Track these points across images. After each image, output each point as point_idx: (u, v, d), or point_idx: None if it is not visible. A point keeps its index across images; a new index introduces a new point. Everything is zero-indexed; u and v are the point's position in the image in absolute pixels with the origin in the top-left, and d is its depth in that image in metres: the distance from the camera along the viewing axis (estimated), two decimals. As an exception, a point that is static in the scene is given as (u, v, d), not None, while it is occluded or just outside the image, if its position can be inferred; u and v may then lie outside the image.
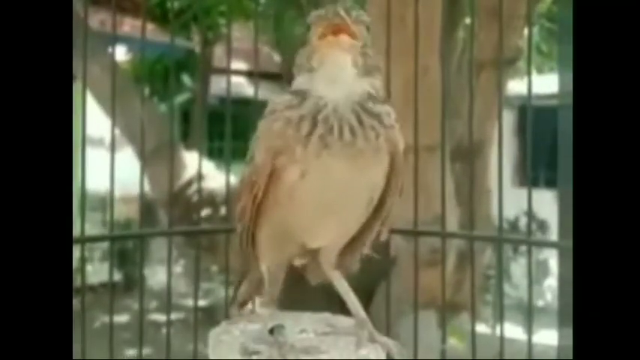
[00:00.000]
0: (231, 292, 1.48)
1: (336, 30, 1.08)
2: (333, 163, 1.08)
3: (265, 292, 1.30)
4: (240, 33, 8.58)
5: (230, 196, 1.71)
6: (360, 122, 1.08)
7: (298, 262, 1.32)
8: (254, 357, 1.09)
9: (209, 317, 1.38)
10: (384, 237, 1.26)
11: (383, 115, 1.11)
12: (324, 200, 1.11)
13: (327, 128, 1.07)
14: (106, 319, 1.92)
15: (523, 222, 5.62)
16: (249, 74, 9.54)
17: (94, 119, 1.96)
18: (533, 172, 1.72)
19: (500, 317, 1.77)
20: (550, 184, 4.96)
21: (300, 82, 1.13)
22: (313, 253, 1.26)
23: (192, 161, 2.72)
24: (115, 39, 2.18)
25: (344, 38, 1.08)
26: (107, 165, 1.70)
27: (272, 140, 1.10)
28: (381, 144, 1.11)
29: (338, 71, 1.10)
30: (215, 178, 2.65)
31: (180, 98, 9.23)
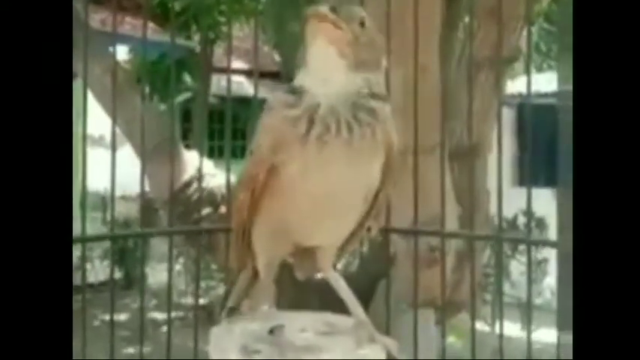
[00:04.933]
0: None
1: (320, 22, 1.09)
2: (332, 160, 1.07)
3: (261, 290, 1.29)
4: (241, 32, 8.59)
5: (230, 195, 1.71)
6: (356, 119, 1.08)
7: (289, 259, 1.30)
8: (254, 356, 1.08)
9: (209, 315, 1.37)
10: (374, 233, 1.26)
11: (378, 109, 1.11)
12: (322, 197, 1.11)
13: (324, 127, 1.07)
14: (105, 317, 1.92)
15: (521, 221, 5.63)
16: (249, 73, 9.54)
17: (94, 118, 1.97)
18: (532, 170, 1.73)
19: (500, 314, 1.78)
20: (549, 182, 4.97)
21: (297, 78, 1.13)
22: (306, 252, 1.25)
23: (192, 160, 2.73)
24: (115, 38, 2.19)
25: (325, 26, 1.08)
26: (107, 164, 1.71)
27: (271, 136, 1.10)
28: (378, 139, 1.11)
29: (324, 62, 1.10)
30: (215, 176, 2.66)
31: (181, 97, 9.23)
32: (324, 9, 1.09)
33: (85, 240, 1.71)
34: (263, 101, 1.19)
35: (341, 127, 1.07)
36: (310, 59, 1.11)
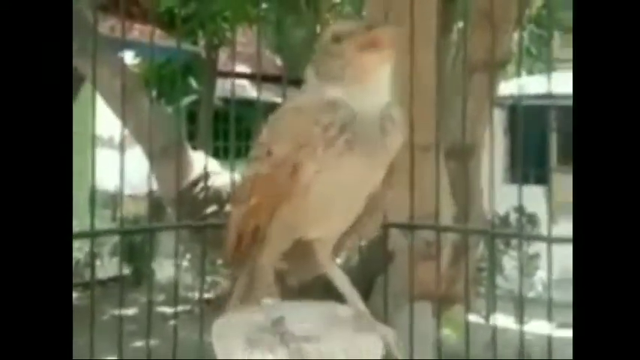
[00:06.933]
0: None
1: (378, 43, 1.09)
2: (350, 165, 1.10)
3: (262, 285, 1.28)
4: (244, 38, 8.67)
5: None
6: (383, 130, 1.11)
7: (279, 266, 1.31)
8: (257, 346, 1.11)
9: (214, 309, 1.42)
10: (371, 230, 1.29)
11: (399, 118, 1.14)
12: (335, 196, 1.14)
13: (353, 135, 1.09)
14: (114, 312, 1.98)
15: (513, 217, 5.67)
16: (252, 77, 9.62)
17: (104, 121, 2.04)
18: (523, 169, 1.77)
19: (493, 307, 1.84)
20: (539, 180, 5.02)
21: (331, 90, 1.12)
22: (302, 253, 1.26)
23: (198, 160, 2.78)
24: (124, 44, 2.24)
25: (390, 52, 1.08)
26: (117, 164, 1.75)
27: (297, 135, 1.10)
28: (392, 146, 1.14)
29: (379, 84, 1.11)
30: (220, 175, 2.72)
31: (187, 100, 9.31)
32: (390, 28, 1.10)
33: (94, 234, 1.76)
34: (265, 103, 1.22)
35: (369, 138, 1.10)
36: (359, 76, 1.10)
